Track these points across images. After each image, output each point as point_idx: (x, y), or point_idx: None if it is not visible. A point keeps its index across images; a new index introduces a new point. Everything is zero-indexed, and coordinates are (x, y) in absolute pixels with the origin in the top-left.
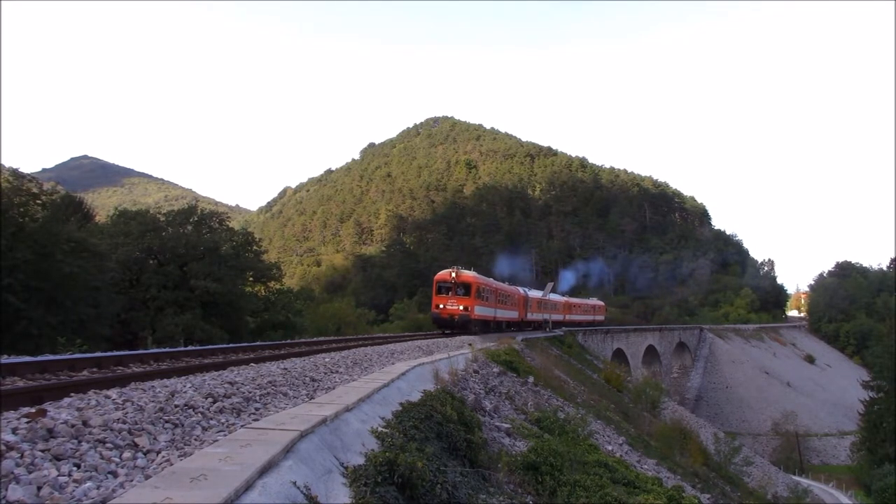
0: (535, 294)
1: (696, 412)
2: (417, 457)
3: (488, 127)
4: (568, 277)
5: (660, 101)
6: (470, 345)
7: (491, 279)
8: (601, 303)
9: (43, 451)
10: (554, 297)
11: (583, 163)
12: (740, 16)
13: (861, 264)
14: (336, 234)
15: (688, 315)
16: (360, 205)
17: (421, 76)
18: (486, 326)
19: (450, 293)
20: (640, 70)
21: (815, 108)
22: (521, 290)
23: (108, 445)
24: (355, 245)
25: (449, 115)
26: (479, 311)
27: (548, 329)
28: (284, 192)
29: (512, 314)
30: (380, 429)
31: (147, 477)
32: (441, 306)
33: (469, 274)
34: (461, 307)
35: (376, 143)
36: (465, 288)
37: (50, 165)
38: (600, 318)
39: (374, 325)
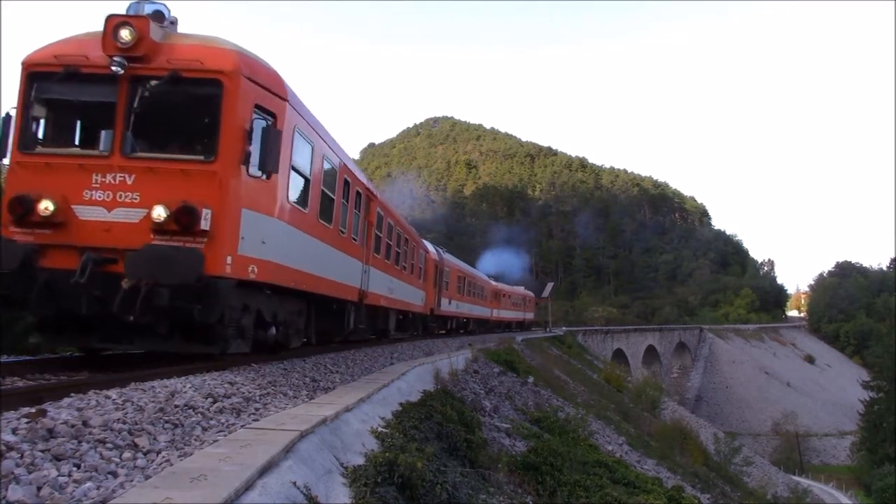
0: (454, 262)
1: (696, 412)
2: (417, 457)
3: (488, 127)
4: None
5: (659, 100)
6: (470, 345)
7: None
8: (531, 293)
9: (43, 451)
10: (471, 272)
11: (583, 163)
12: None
13: (861, 264)
14: None
15: (688, 315)
16: None
17: (421, 76)
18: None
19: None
20: (640, 70)
21: (814, 108)
22: (431, 248)
23: (108, 445)
24: None
25: (449, 115)
26: (270, 253)
27: (548, 329)
28: None
29: (415, 295)
30: (380, 429)
31: (147, 477)
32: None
33: (220, 44)
34: (159, 211)
35: (376, 143)
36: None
37: None
38: (530, 315)
39: None
